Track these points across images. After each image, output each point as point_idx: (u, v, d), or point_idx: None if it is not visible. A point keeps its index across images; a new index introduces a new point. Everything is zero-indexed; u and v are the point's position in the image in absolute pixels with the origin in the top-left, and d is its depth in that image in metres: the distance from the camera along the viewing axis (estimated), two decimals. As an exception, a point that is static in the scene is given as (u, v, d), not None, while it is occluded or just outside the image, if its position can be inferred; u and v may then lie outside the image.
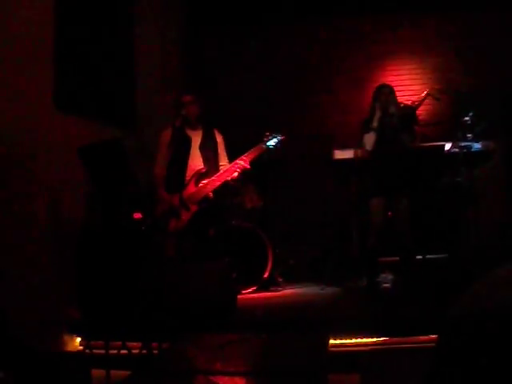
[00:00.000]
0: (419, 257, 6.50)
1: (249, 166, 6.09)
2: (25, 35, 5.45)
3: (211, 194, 6.12)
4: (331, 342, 4.28)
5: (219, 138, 6.36)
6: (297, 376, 2.85)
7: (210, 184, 6.10)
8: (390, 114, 6.33)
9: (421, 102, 6.59)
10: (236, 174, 6.08)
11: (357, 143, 6.43)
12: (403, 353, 4.45)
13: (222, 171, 6.13)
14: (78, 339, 5.70)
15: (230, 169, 6.10)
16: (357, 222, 7.13)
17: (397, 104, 6.48)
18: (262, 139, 6.23)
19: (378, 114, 6.31)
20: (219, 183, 6.10)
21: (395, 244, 6.42)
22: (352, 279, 6.99)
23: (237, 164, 6.08)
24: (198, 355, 3.44)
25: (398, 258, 6.43)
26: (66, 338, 5.69)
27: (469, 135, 6.50)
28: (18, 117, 5.35)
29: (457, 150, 6.47)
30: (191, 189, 6.11)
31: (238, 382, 2.96)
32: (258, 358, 3.37)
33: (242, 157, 6.11)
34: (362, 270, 6.75)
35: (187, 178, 6.15)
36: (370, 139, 6.27)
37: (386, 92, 6.45)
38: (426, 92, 6.69)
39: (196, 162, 6.20)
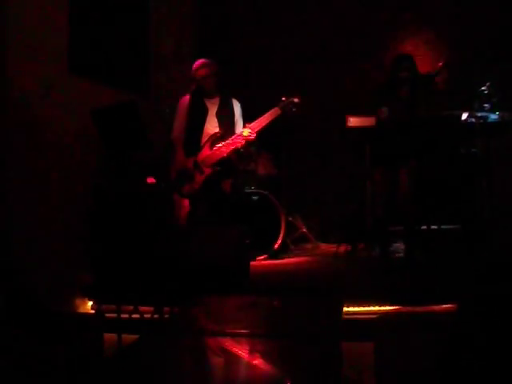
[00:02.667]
0: (434, 227, 6.45)
1: (253, 137, 6.06)
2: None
3: (225, 159, 6.09)
4: (345, 309, 4.25)
5: (236, 107, 6.33)
6: (310, 340, 2.83)
7: (224, 147, 6.07)
8: (408, 83, 6.27)
9: (439, 72, 6.51)
10: (241, 144, 6.05)
11: (373, 108, 6.37)
12: (417, 322, 4.42)
13: (231, 138, 6.09)
14: (90, 303, 5.70)
15: (242, 133, 6.07)
16: (369, 191, 7.07)
17: (416, 74, 6.41)
18: (278, 103, 6.17)
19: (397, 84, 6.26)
20: (233, 147, 6.06)
21: (399, 215, 6.38)
22: (365, 248, 6.94)
23: (241, 135, 6.05)
24: (210, 318, 3.43)
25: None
26: (78, 301, 5.70)
27: (486, 105, 6.42)
28: (32, 78, 5.32)
29: (473, 120, 6.40)
30: (206, 152, 6.10)
31: (249, 344, 2.94)
32: (269, 321, 3.34)
33: (248, 124, 6.07)
34: (374, 240, 6.71)
35: (203, 143, 6.12)
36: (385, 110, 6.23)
37: (406, 63, 6.38)
38: (443, 62, 6.60)
39: (212, 127, 6.19)
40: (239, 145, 6.06)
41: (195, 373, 2.57)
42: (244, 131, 6.04)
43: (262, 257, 6.83)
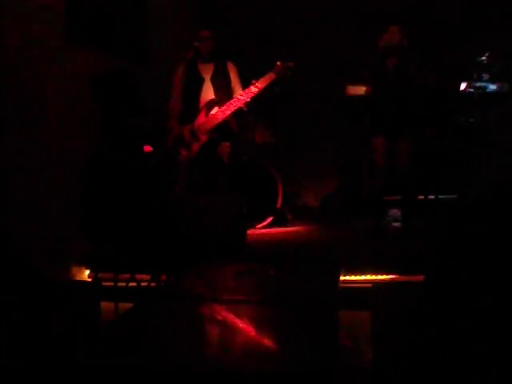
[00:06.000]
0: (432, 197, 6.45)
1: (257, 91, 6.01)
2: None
3: (221, 125, 6.06)
4: (341, 278, 4.26)
5: (232, 69, 6.28)
6: (307, 308, 2.82)
7: (219, 114, 6.04)
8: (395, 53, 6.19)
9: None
10: (246, 101, 6.01)
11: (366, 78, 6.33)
12: (413, 290, 4.42)
13: (231, 101, 6.05)
14: (87, 271, 5.71)
15: (238, 98, 6.02)
16: (368, 160, 7.06)
17: (404, 43, 6.31)
18: (272, 68, 6.12)
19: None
20: (229, 113, 6.03)
21: (398, 184, 6.36)
22: (362, 217, 6.95)
23: (245, 93, 6.00)
24: (205, 286, 3.43)
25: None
26: (75, 269, 5.70)
27: (484, 75, 6.40)
28: (29, 47, 5.29)
29: (471, 90, 6.38)
30: (201, 119, 6.08)
31: (245, 310, 2.94)
32: (265, 288, 3.34)
33: (251, 86, 6.02)
34: (370, 209, 6.71)
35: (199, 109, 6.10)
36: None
37: (395, 32, 6.29)
38: None
39: (208, 93, 6.16)
40: (241, 105, 6.01)
41: (190, 339, 2.56)
42: (245, 94, 5.99)
43: (258, 225, 6.83)
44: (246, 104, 6.03)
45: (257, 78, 6.07)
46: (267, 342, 2.56)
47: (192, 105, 6.17)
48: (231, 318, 2.89)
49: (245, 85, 6.17)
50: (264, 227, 6.87)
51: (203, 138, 6.07)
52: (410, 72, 6.16)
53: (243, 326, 2.80)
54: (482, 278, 2.22)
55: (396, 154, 6.15)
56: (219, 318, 2.91)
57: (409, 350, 3.06)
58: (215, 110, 6.08)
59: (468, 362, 2.81)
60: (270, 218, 6.92)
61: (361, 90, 6.45)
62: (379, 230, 6.25)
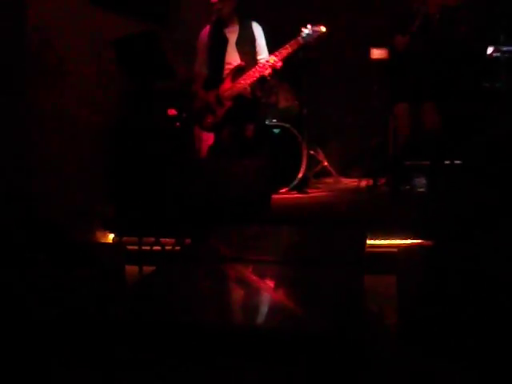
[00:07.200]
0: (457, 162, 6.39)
1: (280, 65, 5.92)
2: None
3: (247, 90, 6.00)
4: (367, 242, 4.24)
5: (257, 31, 6.15)
6: (333, 269, 2.81)
7: (244, 79, 5.98)
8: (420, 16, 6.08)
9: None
10: (269, 72, 5.92)
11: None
12: (439, 255, 4.41)
13: (256, 67, 5.97)
14: (112, 235, 5.73)
15: (264, 64, 5.94)
16: (392, 125, 7.00)
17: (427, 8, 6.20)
18: (299, 32, 6.01)
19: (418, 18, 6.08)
20: (254, 79, 5.96)
21: (424, 149, 6.30)
22: (386, 183, 6.90)
23: (268, 62, 5.91)
24: (230, 247, 3.43)
25: (428, 163, 6.33)
26: (100, 233, 5.73)
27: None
28: (53, 11, 5.27)
29: (499, 54, 6.30)
30: (227, 85, 6.01)
31: (269, 270, 2.93)
32: (290, 249, 3.33)
33: (276, 52, 5.93)
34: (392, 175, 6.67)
35: (225, 75, 6.04)
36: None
37: None
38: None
39: (233, 58, 6.05)
40: (266, 73, 5.93)
41: (214, 299, 2.57)
42: (270, 58, 5.90)
43: (283, 190, 6.81)
44: (270, 75, 5.96)
45: (283, 43, 5.97)
46: (292, 302, 2.56)
47: (217, 69, 6.06)
48: (255, 278, 2.88)
49: (271, 49, 6.08)
50: (288, 191, 6.85)
51: (228, 103, 6.02)
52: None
53: (268, 285, 2.80)
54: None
55: (422, 119, 6.09)
56: (243, 278, 2.90)
57: (434, 313, 3.05)
58: (242, 75, 6.00)
59: (493, 322, 2.80)
60: (295, 182, 6.89)
61: (385, 53, 6.38)
62: (398, 195, 6.21)
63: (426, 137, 6.14)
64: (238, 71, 5.99)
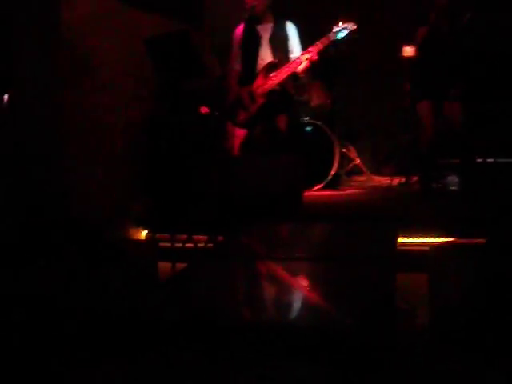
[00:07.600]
0: (490, 160, 6.34)
1: (316, 57, 5.91)
2: None
3: (278, 87, 6.01)
4: (399, 240, 4.23)
5: (291, 30, 6.15)
6: (365, 266, 2.80)
7: (277, 76, 5.98)
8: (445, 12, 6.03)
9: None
10: (303, 67, 5.92)
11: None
12: (471, 254, 4.38)
13: (288, 63, 5.98)
14: (145, 232, 5.76)
15: (296, 61, 5.94)
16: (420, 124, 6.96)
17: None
18: (331, 29, 6.00)
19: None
20: (286, 75, 5.96)
21: (453, 147, 6.26)
22: (419, 181, 6.86)
23: (302, 56, 5.91)
24: (261, 244, 3.43)
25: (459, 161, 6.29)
26: (133, 231, 5.76)
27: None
28: (83, 9, 5.31)
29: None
30: (260, 81, 6.01)
31: (300, 267, 2.93)
32: (322, 246, 3.33)
33: (309, 49, 5.92)
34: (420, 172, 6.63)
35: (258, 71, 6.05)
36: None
37: None
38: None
39: (266, 55, 6.06)
40: (298, 69, 5.93)
41: (246, 296, 2.58)
42: (302, 56, 5.90)
43: (315, 187, 6.81)
44: (303, 71, 5.96)
45: (315, 40, 5.96)
46: (324, 300, 2.55)
47: (250, 66, 6.08)
48: (287, 275, 2.88)
49: (304, 46, 6.07)
50: (320, 189, 6.85)
51: (261, 100, 6.03)
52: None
53: (299, 283, 2.80)
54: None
55: (448, 118, 6.06)
56: (275, 275, 2.91)
57: (468, 313, 3.03)
58: (275, 72, 6.00)
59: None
60: (327, 180, 6.88)
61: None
62: (430, 193, 6.18)
63: (450, 135, 6.11)
64: (271, 68, 6.00)
